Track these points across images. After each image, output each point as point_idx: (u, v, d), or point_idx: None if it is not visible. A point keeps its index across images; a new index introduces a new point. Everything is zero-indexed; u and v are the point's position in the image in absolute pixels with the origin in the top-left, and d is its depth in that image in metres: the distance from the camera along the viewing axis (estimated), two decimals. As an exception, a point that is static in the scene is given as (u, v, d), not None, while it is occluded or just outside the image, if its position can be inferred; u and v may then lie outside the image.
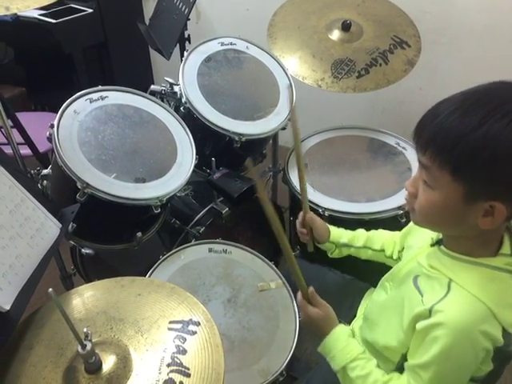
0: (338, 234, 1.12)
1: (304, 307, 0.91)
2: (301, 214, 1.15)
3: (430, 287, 0.76)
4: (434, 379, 0.72)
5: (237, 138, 1.35)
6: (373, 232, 1.13)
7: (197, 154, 1.26)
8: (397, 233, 1.08)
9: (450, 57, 2.05)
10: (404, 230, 1.03)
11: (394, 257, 1.05)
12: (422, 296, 0.76)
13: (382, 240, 1.09)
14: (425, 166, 0.69)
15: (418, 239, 0.89)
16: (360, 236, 1.11)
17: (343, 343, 0.86)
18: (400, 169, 1.51)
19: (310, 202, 1.39)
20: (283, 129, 1.48)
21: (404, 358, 0.81)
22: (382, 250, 1.08)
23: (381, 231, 1.13)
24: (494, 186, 0.64)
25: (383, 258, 1.08)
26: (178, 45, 1.90)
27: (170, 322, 0.75)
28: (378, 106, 2.39)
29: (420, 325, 0.73)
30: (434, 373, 0.72)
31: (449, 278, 0.73)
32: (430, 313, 0.72)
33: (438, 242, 0.80)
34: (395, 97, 2.27)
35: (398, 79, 1.55)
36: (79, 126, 1.13)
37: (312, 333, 0.94)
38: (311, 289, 0.91)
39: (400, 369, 0.82)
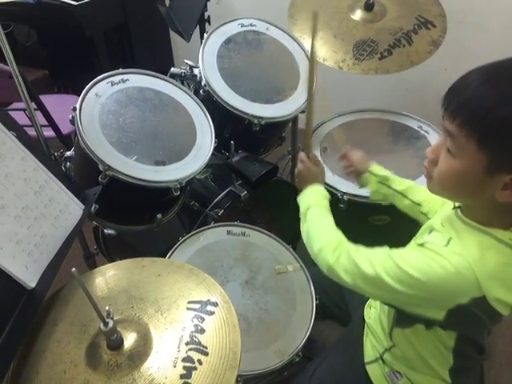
0: (380, 168, 1.14)
1: (305, 159, 1.09)
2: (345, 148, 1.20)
3: (433, 235, 0.78)
4: (387, 272, 0.75)
5: (256, 121, 1.34)
6: (416, 185, 1.11)
7: (216, 137, 1.27)
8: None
9: (477, 37, 1.99)
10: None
11: (430, 215, 1.02)
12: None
13: (422, 195, 1.07)
14: (450, 134, 0.68)
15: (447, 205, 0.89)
16: (402, 181, 1.11)
17: (319, 195, 1.00)
18: (422, 153, 1.48)
19: (328, 185, 1.39)
20: (303, 112, 1.47)
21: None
22: (419, 204, 1.06)
23: (424, 188, 1.11)
24: None
25: (417, 213, 1.06)
26: (198, 26, 1.89)
27: (189, 302, 0.77)
28: (401, 87, 2.34)
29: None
30: (389, 267, 0.75)
31: (450, 236, 0.74)
32: (421, 245, 0.75)
33: (458, 206, 0.81)
34: (419, 78, 2.21)
35: (422, 61, 1.51)
36: (101, 109, 1.14)
37: (301, 183, 1.08)
38: (313, 153, 1.11)
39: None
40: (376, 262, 0.77)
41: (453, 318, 0.73)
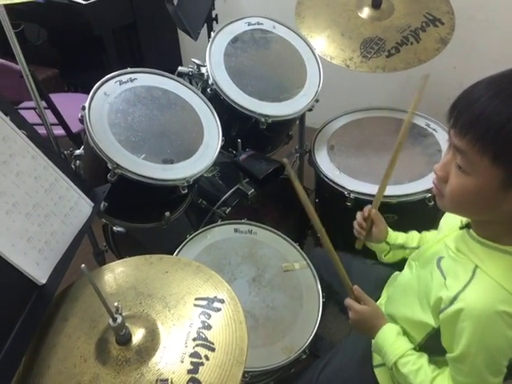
0: (395, 235, 1.09)
1: (352, 305, 0.92)
2: (367, 207, 1.10)
3: (453, 271, 0.76)
4: (472, 369, 0.72)
5: (263, 120, 1.35)
6: (425, 232, 1.09)
7: (223, 136, 1.28)
8: None
9: (486, 34, 1.97)
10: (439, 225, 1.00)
11: None
12: (445, 279, 0.76)
13: (432, 237, 1.05)
14: (461, 151, 0.66)
15: (448, 221, 0.88)
16: (414, 237, 1.08)
17: (393, 339, 0.87)
18: (430, 151, 1.48)
19: (335, 183, 1.40)
20: (310, 110, 1.47)
21: (428, 338, 0.82)
22: None
23: (433, 232, 1.09)
24: None
25: None
26: (205, 25, 1.90)
27: (196, 299, 0.78)
28: (409, 85, 2.31)
29: (443, 315, 0.74)
30: (470, 364, 0.72)
31: (475, 264, 0.72)
32: (453, 300, 0.72)
33: (466, 226, 0.79)
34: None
35: (430, 58, 1.50)
36: (109, 108, 1.15)
37: (362, 331, 0.94)
38: (355, 287, 0.93)
39: (423, 349, 0.84)
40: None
41: None
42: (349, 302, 0.94)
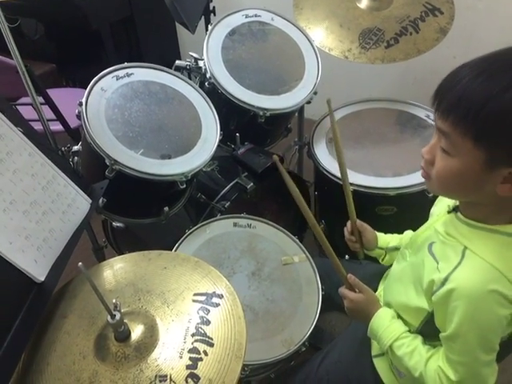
0: (385, 239, 1.09)
1: (347, 294, 0.94)
2: (348, 222, 1.10)
3: (444, 254, 0.76)
4: (464, 348, 0.73)
5: (261, 113, 1.34)
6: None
7: (221, 130, 1.27)
8: None
9: (487, 23, 1.95)
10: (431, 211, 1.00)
11: None
12: (438, 263, 0.76)
13: None
14: (444, 133, 0.67)
15: (437, 207, 0.89)
16: (407, 237, 1.07)
17: (387, 323, 0.88)
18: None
19: (335, 176, 1.39)
20: (308, 102, 1.46)
21: (425, 324, 0.83)
22: None
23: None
24: None
25: None
26: (203, 18, 1.88)
27: (195, 295, 0.78)
28: (409, 76, 2.31)
29: (435, 297, 0.74)
30: (462, 342, 0.72)
31: (464, 246, 0.73)
32: (444, 281, 0.72)
33: (454, 209, 0.80)
34: (427, 66, 2.18)
35: (429, 49, 1.49)
36: (106, 104, 1.15)
37: (358, 318, 0.95)
38: (350, 275, 0.94)
39: (421, 333, 0.85)
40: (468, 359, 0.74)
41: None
42: (343, 291, 0.95)
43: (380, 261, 1.12)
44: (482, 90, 0.61)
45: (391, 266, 1.08)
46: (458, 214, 0.77)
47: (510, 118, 0.60)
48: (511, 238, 0.70)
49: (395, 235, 1.11)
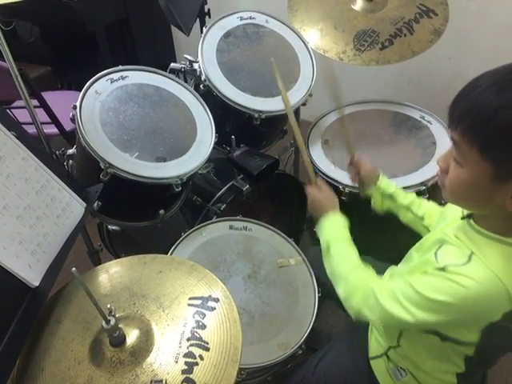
0: (387, 183, 1.12)
1: (312, 189, 1.08)
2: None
3: (448, 252, 0.75)
4: (407, 285, 0.75)
5: (256, 115, 1.34)
6: (419, 198, 1.10)
7: (217, 132, 1.27)
8: (441, 208, 1.05)
9: (481, 24, 1.96)
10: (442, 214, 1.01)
11: (431, 229, 1.01)
12: (437, 258, 0.76)
13: (426, 208, 1.07)
14: (455, 142, 0.67)
15: (452, 211, 0.88)
16: (407, 195, 1.10)
17: (337, 225, 0.98)
18: (424, 143, 1.48)
19: (330, 178, 1.39)
20: (304, 104, 1.46)
21: None
22: (422, 218, 1.05)
23: (430, 202, 1.10)
24: None
25: (420, 226, 1.06)
26: (198, 20, 1.88)
27: (190, 298, 0.78)
28: (404, 77, 2.32)
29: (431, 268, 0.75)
30: (408, 281, 0.75)
31: (471, 251, 0.71)
32: (441, 268, 0.72)
33: (468, 216, 0.79)
34: (422, 67, 2.19)
35: (424, 50, 1.49)
36: (101, 107, 1.14)
37: (316, 214, 1.05)
38: (319, 179, 1.09)
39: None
40: (401, 296, 0.75)
41: (486, 337, 0.72)
42: (308, 187, 1.09)
43: (372, 204, 1.15)
44: (491, 101, 0.61)
45: (392, 264, 1.09)
46: (471, 220, 0.76)
47: None
48: None
49: (398, 187, 1.13)
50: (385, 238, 1.13)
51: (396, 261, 1.02)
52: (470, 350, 0.78)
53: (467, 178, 0.67)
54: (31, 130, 1.32)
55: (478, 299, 0.67)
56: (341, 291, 0.89)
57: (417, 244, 0.95)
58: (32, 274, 0.75)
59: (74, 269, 0.62)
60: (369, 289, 0.82)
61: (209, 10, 1.89)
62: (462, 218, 0.80)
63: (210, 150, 1.22)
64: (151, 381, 0.66)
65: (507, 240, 0.70)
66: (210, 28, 1.44)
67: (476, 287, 0.67)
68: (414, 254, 0.94)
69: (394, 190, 1.10)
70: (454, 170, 0.70)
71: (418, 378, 0.88)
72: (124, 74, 1.22)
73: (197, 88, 1.38)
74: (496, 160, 0.62)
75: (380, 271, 1.12)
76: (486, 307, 0.69)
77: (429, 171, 1.36)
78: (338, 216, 1.01)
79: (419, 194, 1.32)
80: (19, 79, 1.17)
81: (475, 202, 0.71)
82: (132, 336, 0.71)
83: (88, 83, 1.16)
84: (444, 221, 0.91)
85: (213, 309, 0.76)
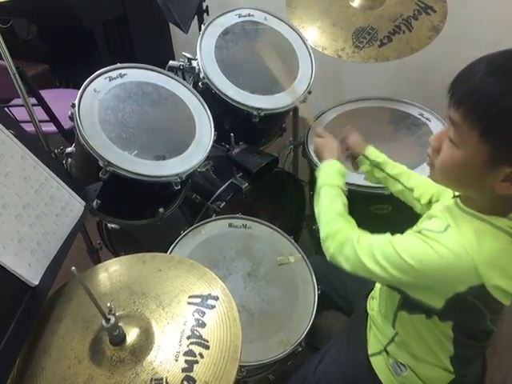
0: (376, 152, 1.14)
1: (316, 138, 1.14)
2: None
3: (430, 222, 0.78)
4: (386, 256, 0.76)
5: (255, 113, 1.34)
6: (410, 171, 1.11)
7: (216, 130, 1.26)
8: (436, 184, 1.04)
9: (479, 20, 1.96)
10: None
11: (422, 201, 1.01)
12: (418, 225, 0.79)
13: (416, 180, 1.07)
14: (454, 123, 0.68)
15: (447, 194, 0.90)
16: (397, 166, 1.11)
17: (332, 171, 1.01)
18: (423, 141, 1.48)
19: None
20: (303, 101, 1.46)
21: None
22: (411, 190, 1.05)
23: (421, 176, 1.10)
24: None
25: (410, 199, 1.06)
26: (196, 17, 1.88)
27: (190, 297, 0.78)
28: (403, 74, 2.32)
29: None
30: (391, 242, 0.77)
31: (448, 224, 0.73)
32: (419, 232, 0.75)
33: (458, 196, 0.80)
34: (421, 64, 2.19)
35: (422, 47, 1.49)
36: (99, 105, 1.14)
37: (319, 156, 1.13)
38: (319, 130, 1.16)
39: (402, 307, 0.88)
40: (377, 251, 0.78)
41: (450, 307, 0.73)
42: (319, 130, 1.16)
43: (364, 177, 1.18)
44: (495, 85, 0.62)
45: None
46: (458, 199, 0.78)
47: None
48: (494, 228, 0.70)
49: (385, 156, 1.14)
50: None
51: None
52: (449, 330, 0.81)
53: (461, 158, 0.68)
54: (30, 128, 1.31)
55: (446, 267, 0.69)
56: (322, 233, 0.92)
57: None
58: (32, 273, 0.75)
59: (73, 268, 0.62)
60: (348, 238, 0.85)
61: (207, 7, 1.88)
62: (453, 197, 0.81)
63: (209, 148, 1.22)
64: (151, 379, 0.66)
65: (484, 217, 0.71)
66: (208, 25, 1.43)
67: (446, 255, 0.69)
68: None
69: (383, 159, 1.12)
70: (448, 149, 0.71)
71: (417, 372, 0.89)
72: (122, 71, 1.22)
73: (195, 86, 1.38)
74: (495, 144, 0.64)
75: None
76: (451, 277, 0.70)
77: (428, 168, 1.36)
78: (335, 163, 1.04)
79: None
80: (17, 77, 1.16)
81: (464, 183, 0.73)
82: (132, 334, 0.71)
83: (86, 81, 1.15)
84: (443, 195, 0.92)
85: (212, 307, 0.76)
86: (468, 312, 0.75)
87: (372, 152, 1.13)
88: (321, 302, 1.15)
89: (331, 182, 0.99)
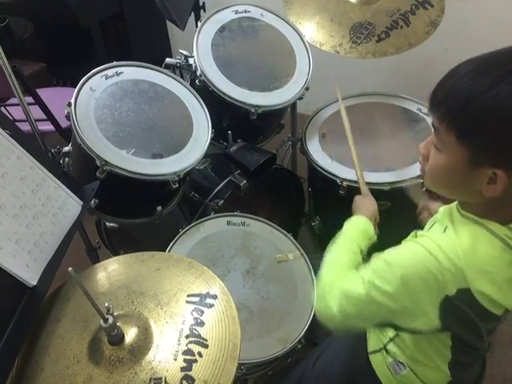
0: None
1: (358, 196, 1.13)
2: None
3: (429, 227, 0.79)
4: (375, 270, 0.76)
5: (253, 110, 1.33)
6: None
7: (213, 127, 1.26)
8: None
9: (477, 14, 1.95)
10: None
11: None
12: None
13: None
14: (434, 127, 0.68)
15: None
16: None
17: (360, 228, 0.97)
18: (421, 136, 1.47)
19: (328, 172, 1.39)
20: (300, 98, 1.45)
21: None
22: None
23: None
24: (498, 152, 0.62)
25: None
26: (193, 14, 1.87)
27: (188, 296, 0.77)
28: (401, 69, 2.31)
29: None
30: (377, 265, 0.76)
31: (446, 226, 0.73)
32: (415, 235, 0.77)
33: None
34: (419, 59, 2.18)
35: (420, 42, 1.49)
36: (96, 104, 1.14)
37: (354, 212, 1.08)
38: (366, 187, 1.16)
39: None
40: (369, 273, 0.77)
41: (445, 315, 0.71)
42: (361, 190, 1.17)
43: None
44: (467, 87, 0.61)
45: None
46: (458, 205, 0.77)
47: (490, 117, 0.60)
48: (490, 234, 0.69)
49: None
50: (386, 234, 1.13)
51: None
52: (447, 339, 0.79)
53: (445, 163, 0.68)
54: (27, 127, 1.31)
55: (436, 263, 0.68)
56: (320, 282, 0.89)
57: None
58: (29, 274, 0.75)
59: (70, 268, 0.62)
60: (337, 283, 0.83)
61: (204, 3, 1.87)
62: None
63: (206, 146, 1.21)
64: (150, 378, 0.66)
65: (482, 221, 0.70)
66: (204, 22, 1.42)
67: (436, 251, 0.68)
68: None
69: None
70: (434, 155, 0.71)
71: (416, 372, 0.89)
72: (119, 69, 1.21)
73: (192, 83, 1.38)
74: (472, 145, 0.63)
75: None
76: (441, 274, 0.68)
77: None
78: (366, 222, 1.00)
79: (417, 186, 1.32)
80: (12, 76, 1.16)
81: (453, 188, 0.73)
82: (130, 334, 0.71)
83: (82, 80, 1.15)
84: None
85: (211, 306, 0.76)
86: (462, 322, 0.74)
87: None
88: None
89: (350, 234, 0.96)
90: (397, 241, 1.03)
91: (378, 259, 0.77)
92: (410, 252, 0.72)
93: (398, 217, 1.15)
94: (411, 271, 0.70)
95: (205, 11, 1.88)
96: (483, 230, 0.70)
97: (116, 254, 1.56)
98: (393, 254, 0.75)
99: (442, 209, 0.81)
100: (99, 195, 1.05)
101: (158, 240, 1.42)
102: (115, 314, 0.70)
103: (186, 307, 0.75)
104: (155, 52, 2.84)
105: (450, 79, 0.65)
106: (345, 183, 1.35)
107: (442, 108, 0.65)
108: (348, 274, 0.85)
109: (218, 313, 0.75)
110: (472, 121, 0.62)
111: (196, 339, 0.70)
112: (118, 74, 1.21)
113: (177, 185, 1.15)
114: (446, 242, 0.69)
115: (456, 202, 0.79)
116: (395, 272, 0.72)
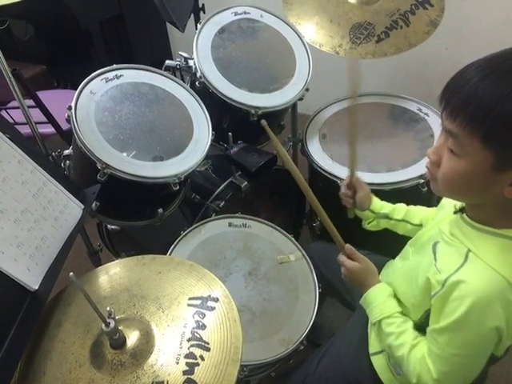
0: (380, 204, 1.11)
1: (344, 262, 0.96)
2: (347, 176, 1.13)
3: (446, 254, 0.76)
4: (448, 344, 0.73)
5: (253, 112, 1.33)
6: (412, 206, 1.10)
7: (214, 129, 1.26)
8: (435, 209, 1.04)
9: (477, 13, 1.94)
10: (439, 204, 1.00)
11: None
12: (436, 261, 0.76)
13: (421, 215, 1.07)
14: (452, 133, 0.67)
15: (448, 203, 0.88)
16: (400, 209, 1.09)
17: (383, 298, 0.90)
18: (422, 136, 1.47)
19: (328, 173, 1.39)
20: (300, 99, 1.45)
21: (425, 318, 0.82)
22: (421, 225, 1.05)
23: (420, 207, 1.10)
24: None
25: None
26: (193, 16, 1.87)
27: (190, 299, 0.78)
28: (402, 69, 2.31)
29: (435, 298, 0.74)
30: (448, 338, 0.73)
31: (467, 248, 0.72)
32: (444, 283, 0.72)
33: (460, 210, 0.79)
34: (419, 58, 2.18)
35: (420, 42, 1.48)
36: (96, 107, 1.14)
37: (354, 286, 0.98)
38: (347, 245, 0.97)
39: (419, 329, 0.84)
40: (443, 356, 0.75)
41: None
42: (341, 258, 0.98)
43: (366, 224, 1.13)
44: (491, 90, 0.61)
45: (388, 258, 1.09)
46: (464, 215, 0.77)
47: None
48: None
49: (389, 204, 1.12)
50: (385, 236, 1.13)
51: (395, 255, 1.03)
52: None
53: (465, 168, 0.67)
54: (27, 130, 1.31)
55: (487, 299, 0.67)
56: (403, 368, 0.84)
57: (413, 238, 0.96)
58: (31, 278, 0.75)
59: (71, 273, 0.62)
60: (423, 364, 0.79)
61: (203, 5, 1.87)
62: (455, 213, 0.80)
63: (207, 148, 1.22)
64: (153, 382, 0.66)
65: (500, 232, 0.70)
66: (204, 24, 1.43)
67: (481, 292, 0.67)
68: (410, 249, 0.94)
69: (388, 209, 1.10)
70: (449, 161, 0.69)
71: None
72: (119, 72, 1.21)
73: (193, 85, 1.38)
74: (498, 149, 0.63)
75: (379, 265, 1.13)
76: (503, 302, 0.68)
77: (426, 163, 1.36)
78: (384, 287, 0.93)
79: (418, 187, 1.32)
80: (12, 79, 1.16)
81: (469, 192, 0.71)
82: (132, 338, 0.71)
83: (82, 83, 1.15)
84: (442, 209, 0.91)
85: (212, 308, 0.76)
86: None
87: (377, 205, 1.11)
88: (324, 289, 1.15)
89: (386, 311, 0.88)
90: (396, 241, 1.04)
91: (441, 335, 0.74)
92: (468, 311, 0.69)
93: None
94: (489, 325, 0.69)
95: (204, 13, 1.88)
96: (505, 240, 0.69)
97: (118, 256, 1.56)
98: (454, 324, 0.71)
99: (448, 226, 0.79)
100: (100, 198, 1.05)
101: (160, 242, 1.42)
102: (117, 317, 0.70)
103: (187, 310, 0.76)
104: (155, 54, 2.84)
105: (466, 84, 0.64)
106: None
107: (463, 114, 0.64)
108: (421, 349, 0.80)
109: (219, 315, 0.75)
110: (500, 125, 0.61)
111: (198, 342, 0.71)
112: (118, 76, 1.21)
113: (178, 187, 1.15)
114: (481, 272, 0.69)
115: (456, 215, 0.78)
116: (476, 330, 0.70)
